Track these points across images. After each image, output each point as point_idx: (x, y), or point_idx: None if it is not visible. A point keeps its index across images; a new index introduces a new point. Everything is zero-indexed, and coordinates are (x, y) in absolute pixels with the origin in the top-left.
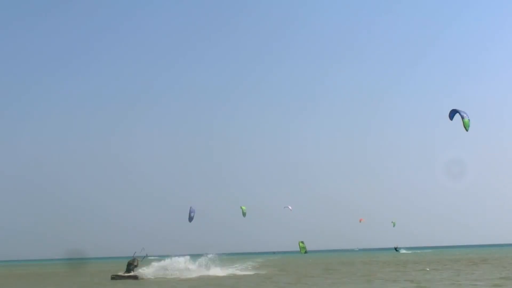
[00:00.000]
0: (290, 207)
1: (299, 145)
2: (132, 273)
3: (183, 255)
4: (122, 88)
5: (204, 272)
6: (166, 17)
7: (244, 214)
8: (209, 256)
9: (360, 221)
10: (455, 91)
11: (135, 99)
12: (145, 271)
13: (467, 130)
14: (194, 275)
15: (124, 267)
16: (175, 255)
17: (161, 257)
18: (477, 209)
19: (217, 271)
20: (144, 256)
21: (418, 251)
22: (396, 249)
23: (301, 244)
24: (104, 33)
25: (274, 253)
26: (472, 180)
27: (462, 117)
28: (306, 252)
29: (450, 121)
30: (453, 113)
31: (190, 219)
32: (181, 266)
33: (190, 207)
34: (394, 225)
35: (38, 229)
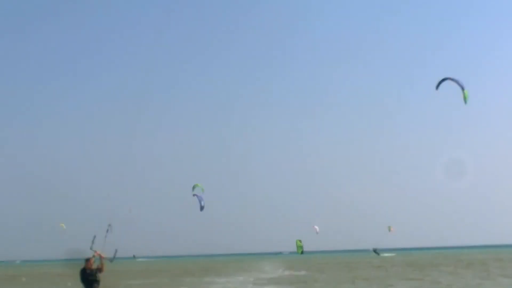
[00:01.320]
0: (317, 228)
1: (304, 147)
2: None
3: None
4: (126, 90)
5: None
6: (180, 21)
7: (201, 190)
8: None
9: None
10: (455, 91)
11: (148, 101)
12: None
13: (466, 103)
14: None
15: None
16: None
17: (161, 257)
18: (477, 209)
19: None
20: (113, 257)
21: (405, 253)
22: (375, 251)
23: (298, 243)
24: (115, 35)
25: (278, 253)
26: (472, 181)
27: (462, 88)
28: (302, 252)
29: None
30: (443, 81)
31: (201, 208)
32: None
33: (196, 195)
34: (389, 230)
35: (38, 229)
